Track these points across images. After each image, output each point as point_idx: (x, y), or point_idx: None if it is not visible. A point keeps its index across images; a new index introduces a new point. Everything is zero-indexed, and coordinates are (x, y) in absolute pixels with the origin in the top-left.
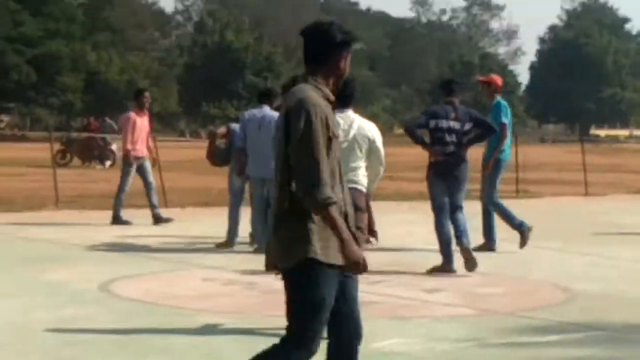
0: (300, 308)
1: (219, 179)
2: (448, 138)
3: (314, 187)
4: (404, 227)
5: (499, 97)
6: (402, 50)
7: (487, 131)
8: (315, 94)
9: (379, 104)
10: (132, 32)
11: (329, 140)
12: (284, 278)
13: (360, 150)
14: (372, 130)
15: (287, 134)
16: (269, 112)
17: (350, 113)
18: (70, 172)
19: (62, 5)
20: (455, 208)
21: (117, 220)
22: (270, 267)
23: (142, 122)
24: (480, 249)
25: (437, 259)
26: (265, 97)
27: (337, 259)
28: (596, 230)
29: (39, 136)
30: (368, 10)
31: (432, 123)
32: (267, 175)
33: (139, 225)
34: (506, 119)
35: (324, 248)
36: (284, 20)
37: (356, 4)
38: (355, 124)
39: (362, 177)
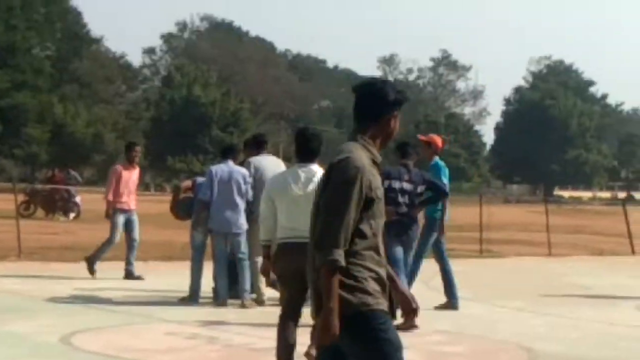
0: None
1: (183, 233)
2: (400, 199)
3: (326, 246)
4: None
5: (437, 158)
6: None
7: (439, 194)
8: (363, 154)
9: None
10: (100, 85)
11: (371, 201)
12: (343, 330)
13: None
14: None
15: (325, 187)
16: (236, 167)
17: (313, 167)
18: (33, 223)
19: (30, 57)
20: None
21: (90, 263)
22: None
23: (129, 176)
24: (443, 307)
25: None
26: (229, 152)
27: (385, 306)
28: (559, 290)
29: (3, 187)
30: (335, 67)
31: (386, 183)
32: (230, 230)
33: (102, 278)
34: (446, 180)
35: (376, 297)
36: (252, 76)
37: (323, 61)
38: (315, 178)
39: None
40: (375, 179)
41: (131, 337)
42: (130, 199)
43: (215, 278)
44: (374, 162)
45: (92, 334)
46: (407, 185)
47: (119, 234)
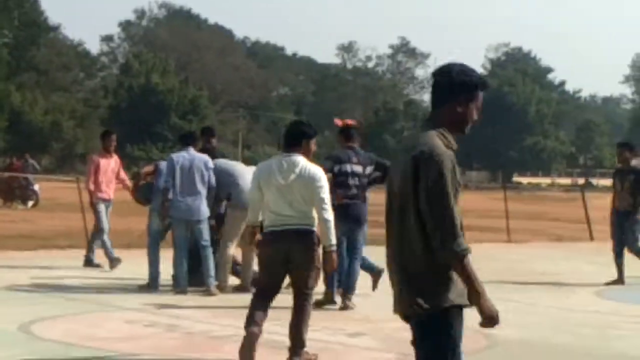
0: (438, 355)
1: (141, 220)
2: (350, 181)
3: (450, 239)
4: None
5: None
6: (327, 95)
7: (388, 173)
8: (440, 142)
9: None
10: (57, 73)
11: (455, 190)
12: (416, 326)
13: (301, 195)
14: (314, 174)
15: (415, 183)
16: (198, 155)
17: (295, 157)
18: None
19: None
20: (354, 248)
21: (89, 261)
22: (400, 314)
23: (107, 164)
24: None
25: (361, 303)
26: (190, 139)
27: (465, 301)
28: (518, 276)
29: None
30: (294, 55)
31: (336, 168)
32: (192, 217)
33: (61, 267)
34: None
35: (460, 295)
36: (210, 64)
37: (282, 49)
38: (297, 169)
39: (312, 220)
40: (456, 166)
41: (91, 325)
42: (109, 188)
43: (175, 265)
44: (452, 149)
45: (52, 322)
46: (356, 168)
47: (106, 221)
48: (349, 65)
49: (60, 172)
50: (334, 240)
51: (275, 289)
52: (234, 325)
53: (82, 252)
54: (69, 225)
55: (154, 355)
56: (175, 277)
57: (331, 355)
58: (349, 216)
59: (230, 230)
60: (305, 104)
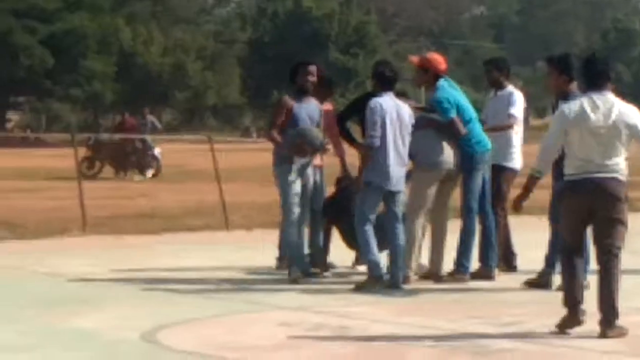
0: None
1: None
2: None
3: None
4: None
5: (441, 81)
6: (536, 16)
7: None
8: None
9: None
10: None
11: None
12: None
13: (620, 138)
14: (633, 115)
15: None
16: (401, 102)
17: (609, 96)
18: (100, 185)
19: None
20: None
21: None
22: None
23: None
24: (475, 275)
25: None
26: (393, 81)
27: None
28: None
29: (58, 139)
30: None
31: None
32: (396, 187)
33: (193, 255)
34: (454, 113)
35: None
36: None
37: None
38: (615, 108)
39: (623, 169)
40: None
41: (234, 330)
42: None
43: (366, 249)
44: None
45: (183, 328)
46: None
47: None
48: None
49: (186, 130)
50: None
51: (582, 237)
52: (422, 325)
53: (218, 234)
54: (201, 200)
55: None
56: (369, 263)
57: None
58: None
59: (416, 199)
60: (508, 28)
